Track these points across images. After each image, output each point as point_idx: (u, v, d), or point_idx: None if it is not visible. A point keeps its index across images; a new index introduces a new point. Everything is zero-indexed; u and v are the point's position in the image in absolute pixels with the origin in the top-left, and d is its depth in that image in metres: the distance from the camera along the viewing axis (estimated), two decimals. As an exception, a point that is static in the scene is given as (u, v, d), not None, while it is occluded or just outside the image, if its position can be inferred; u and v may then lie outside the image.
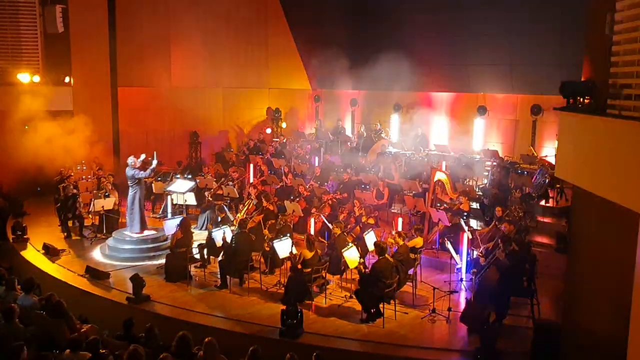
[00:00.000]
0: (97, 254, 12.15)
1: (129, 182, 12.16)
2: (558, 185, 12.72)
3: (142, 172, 12.06)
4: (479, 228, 11.81)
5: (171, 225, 11.25)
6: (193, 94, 19.43)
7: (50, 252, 11.96)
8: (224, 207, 12.41)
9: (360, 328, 8.72)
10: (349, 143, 18.14)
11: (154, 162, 12.22)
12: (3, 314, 7.03)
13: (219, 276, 10.57)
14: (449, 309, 9.03)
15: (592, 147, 6.02)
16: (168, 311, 9.37)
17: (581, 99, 6.77)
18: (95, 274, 10.71)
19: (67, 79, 17.44)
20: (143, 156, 12.21)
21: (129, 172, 12.01)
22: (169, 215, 13.39)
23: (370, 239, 10.30)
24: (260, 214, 12.09)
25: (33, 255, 12.12)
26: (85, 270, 10.90)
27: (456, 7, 15.53)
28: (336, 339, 8.33)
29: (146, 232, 12.31)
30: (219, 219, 11.95)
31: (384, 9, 17.17)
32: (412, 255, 10.04)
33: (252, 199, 13.08)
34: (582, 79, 7.30)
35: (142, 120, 18.37)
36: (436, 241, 11.59)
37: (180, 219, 11.32)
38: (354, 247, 9.67)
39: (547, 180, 12.61)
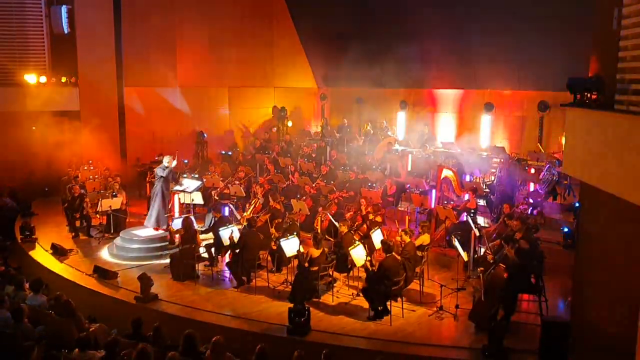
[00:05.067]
0: (105, 254, 12.20)
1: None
2: (566, 182, 12.66)
3: (160, 169, 12.43)
4: (486, 225, 11.77)
5: (179, 224, 11.27)
6: (199, 93, 19.50)
7: (59, 252, 12.01)
8: (228, 206, 12.44)
9: (368, 326, 8.71)
10: (354, 141, 18.10)
11: (173, 162, 12.53)
12: (12, 314, 7.09)
13: (227, 275, 10.65)
14: (457, 306, 9.00)
15: (599, 143, 5.99)
16: (176, 310, 9.39)
17: (588, 95, 6.73)
18: (103, 274, 10.74)
19: (73, 80, 17.52)
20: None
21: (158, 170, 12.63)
22: (177, 215, 13.41)
23: (377, 237, 10.29)
24: (267, 213, 12.10)
25: (41, 255, 12.18)
26: (93, 269, 10.93)
27: (462, 4, 15.46)
28: (343, 337, 8.33)
29: (159, 231, 12.37)
30: (214, 219, 11.92)
31: (389, 7, 17.12)
32: (419, 253, 10.01)
33: (258, 198, 13.09)
34: (590, 75, 7.24)
35: (148, 120, 18.42)
36: (445, 238, 11.54)
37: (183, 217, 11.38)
38: (361, 245, 9.67)
39: (555, 177, 12.54)
